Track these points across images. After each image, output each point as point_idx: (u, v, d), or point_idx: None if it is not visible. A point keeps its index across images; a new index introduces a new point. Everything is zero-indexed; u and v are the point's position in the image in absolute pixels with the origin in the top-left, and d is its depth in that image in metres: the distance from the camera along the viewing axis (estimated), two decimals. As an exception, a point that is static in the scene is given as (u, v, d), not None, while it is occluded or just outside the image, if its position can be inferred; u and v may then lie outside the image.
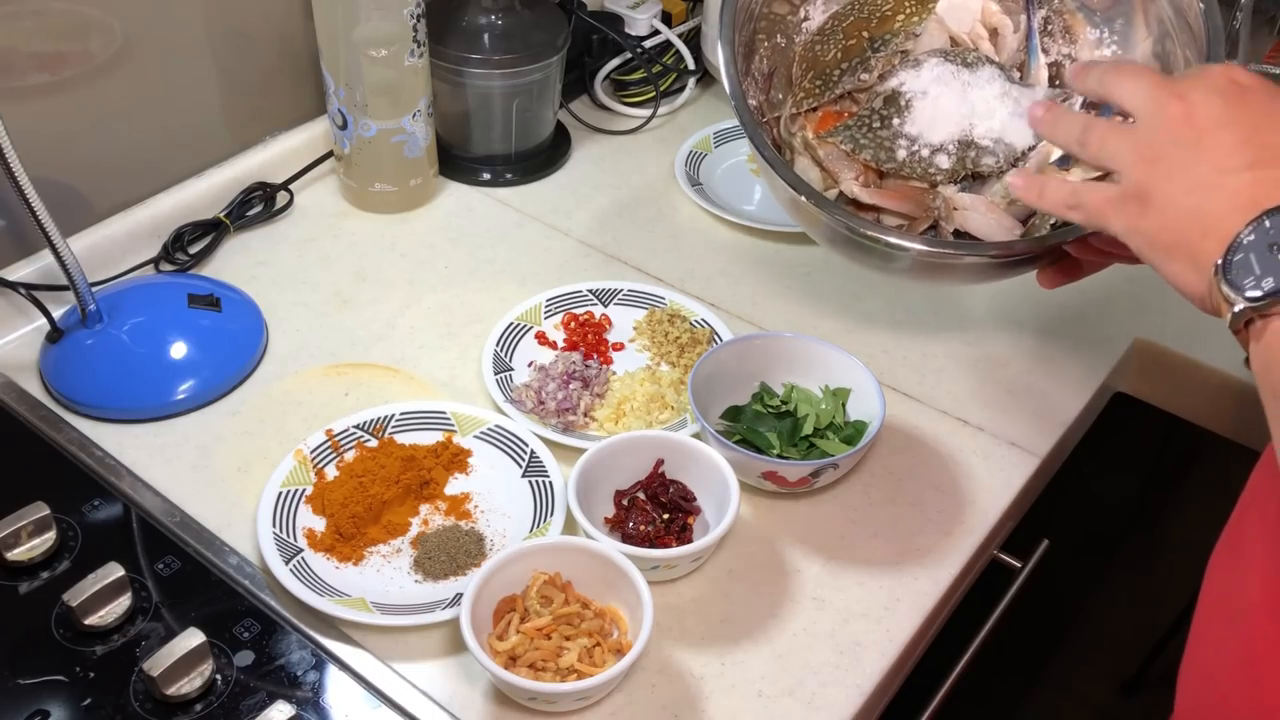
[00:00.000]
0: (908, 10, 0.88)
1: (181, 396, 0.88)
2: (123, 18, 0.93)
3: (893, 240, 0.80)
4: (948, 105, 0.85)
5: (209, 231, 1.03)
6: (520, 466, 0.83)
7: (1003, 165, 0.85)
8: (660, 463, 0.81)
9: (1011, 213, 0.84)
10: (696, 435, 0.83)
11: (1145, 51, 0.86)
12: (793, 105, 0.89)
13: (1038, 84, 0.88)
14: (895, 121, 0.85)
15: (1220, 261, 0.54)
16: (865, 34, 0.88)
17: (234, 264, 1.02)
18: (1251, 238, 0.53)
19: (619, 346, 0.95)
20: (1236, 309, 0.54)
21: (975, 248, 0.81)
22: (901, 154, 0.85)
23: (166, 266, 1.00)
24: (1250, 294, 0.53)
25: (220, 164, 1.06)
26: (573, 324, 0.96)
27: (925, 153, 0.85)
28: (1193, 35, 0.81)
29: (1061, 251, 0.77)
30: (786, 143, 0.90)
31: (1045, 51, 0.89)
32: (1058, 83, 0.90)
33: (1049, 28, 0.90)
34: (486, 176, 1.14)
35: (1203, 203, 0.56)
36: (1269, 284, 0.52)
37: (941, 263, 0.82)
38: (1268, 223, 0.53)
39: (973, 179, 0.86)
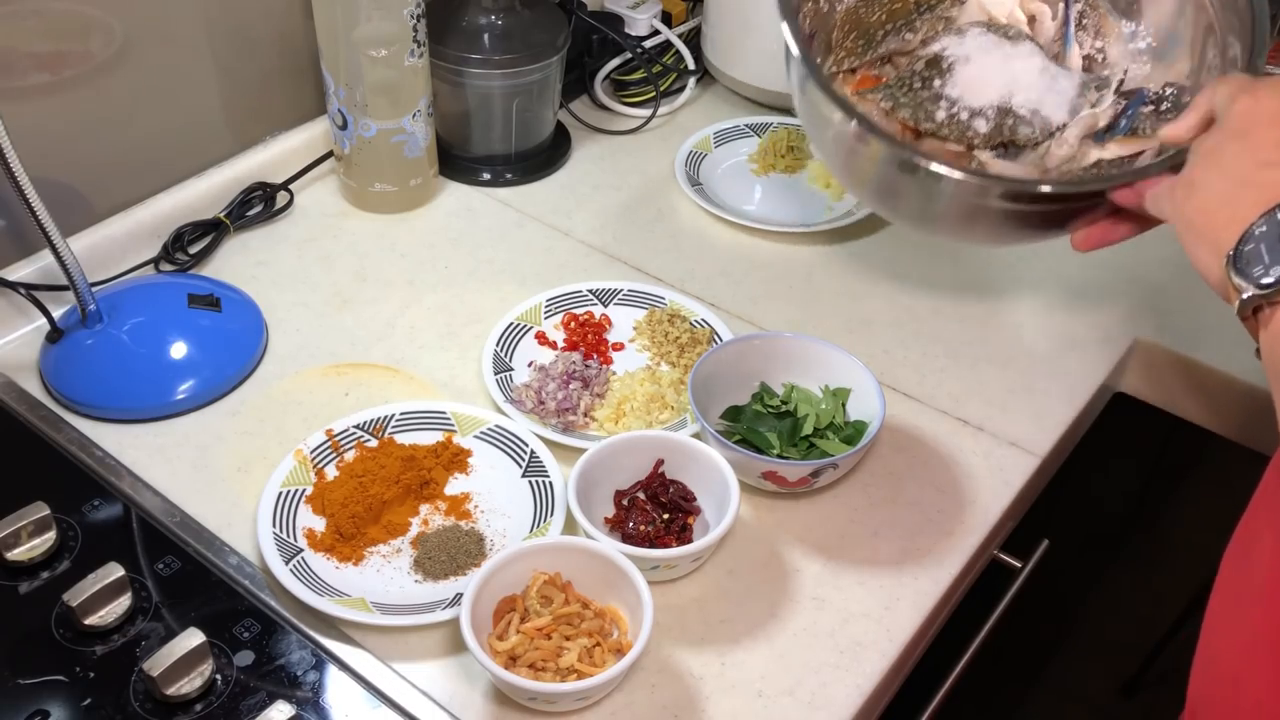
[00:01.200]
0: None
1: (181, 396, 0.88)
2: (123, 18, 0.93)
3: (935, 167, 0.76)
4: (989, 72, 0.85)
5: (209, 231, 1.03)
6: (520, 466, 0.83)
7: (1038, 136, 0.84)
8: (660, 463, 0.81)
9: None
10: (696, 435, 0.83)
11: (1185, 41, 0.86)
12: (833, 64, 0.88)
13: (1073, 70, 0.89)
14: (936, 83, 0.85)
15: (1232, 250, 0.56)
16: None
17: (234, 264, 1.02)
18: (1264, 228, 0.55)
19: (619, 346, 0.95)
20: (1245, 295, 0.55)
21: (1016, 180, 0.79)
22: (940, 115, 0.84)
23: (166, 266, 1.00)
24: (1259, 281, 0.55)
25: (220, 164, 1.06)
26: (573, 324, 0.96)
27: (964, 116, 0.84)
28: (1239, 20, 0.81)
29: (1097, 208, 0.76)
30: None
31: (1079, 44, 0.91)
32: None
33: (1084, 21, 0.91)
34: (486, 176, 1.14)
35: (1237, 192, 0.58)
36: (1277, 272, 0.54)
37: (980, 202, 0.78)
38: (1279, 214, 0.55)
39: (1008, 148, 0.85)
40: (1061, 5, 0.91)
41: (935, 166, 0.76)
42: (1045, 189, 0.77)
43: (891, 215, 0.89)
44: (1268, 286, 0.54)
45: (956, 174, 0.76)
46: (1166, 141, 0.71)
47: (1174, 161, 0.70)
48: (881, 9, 0.90)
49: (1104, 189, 0.74)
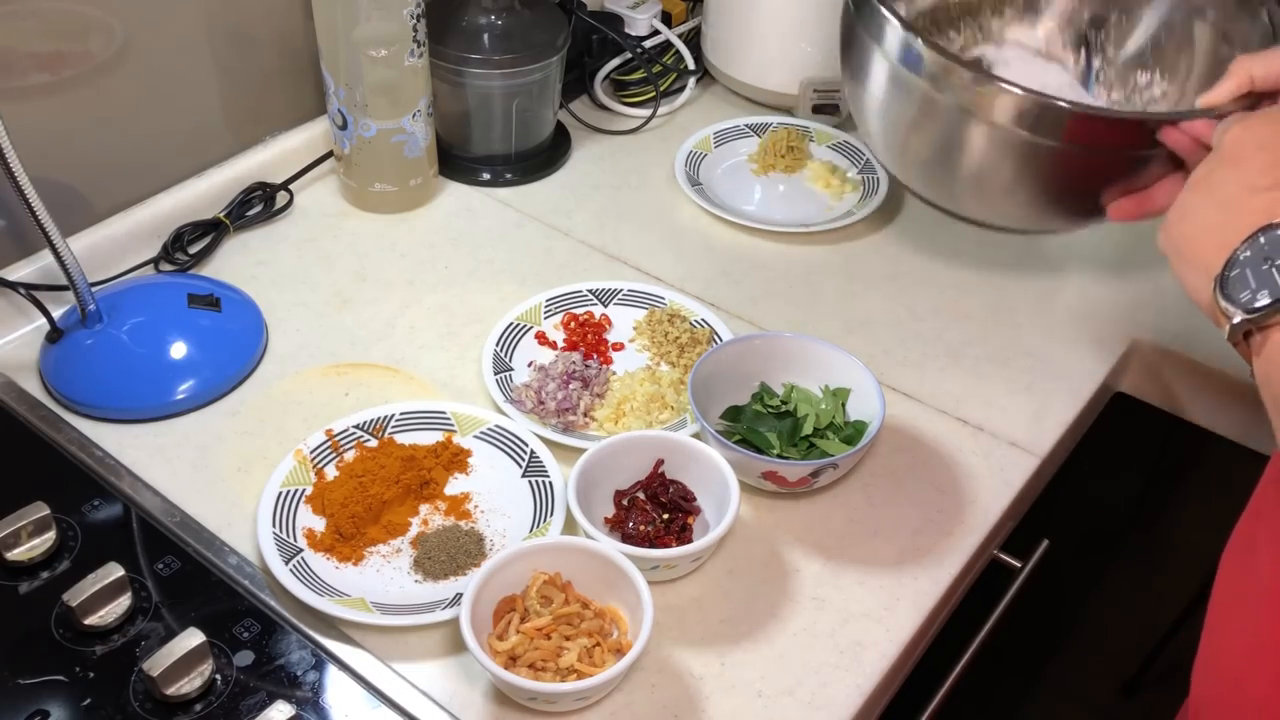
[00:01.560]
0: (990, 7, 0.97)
1: (181, 396, 0.88)
2: (123, 18, 0.93)
3: (994, 80, 0.77)
4: (1024, 77, 0.86)
5: (209, 231, 1.03)
6: (520, 466, 0.83)
7: None
8: (660, 463, 0.81)
9: None
10: (696, 435, 0.83)
11: (1196, 77, 0.89)
12: None
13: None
14: None
15: (1218, 275, 0.57)
16: (953, 12, 0.97)
17: (234, 264, 1.02)
18: (1248, 253, 0.56)
19: (619, 346, 0.95)
20: (1234, 321, 0.56)
21: (1069, 102, 0.78)
22: None
23: (166, 266, 1.00)
24: (1246, 307, 0.55)
25: (220, 164, 1.06)
26: (573, 324, 0.96)
27: None
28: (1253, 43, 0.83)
29: (1138, 168, 0.77)
30: None
31: (1096, 96, 0.95)
32: None
33: (1100, 77, 0.96)
34: (486, 176, 1.14)
35: (1225, 218, 0.58)
36: (1264, 297, 0.54)
37: (1031, 138, 0.77)
38: (1262, 239, 0.55)
39: None
40: (1083, 54, 0.95)
41: (986, 76, 0.77)
42: (1101, 112, 0.77)
43: (939, 181, 0.86)
44: (1256, 311, 0.55)
45: (1014, 87, 0.75)
46: (1205, 105, 0.73)
47: (1220, 112, 0.71)
48: (924, 17, 0.96)
49: (1157, 121, 0.74)
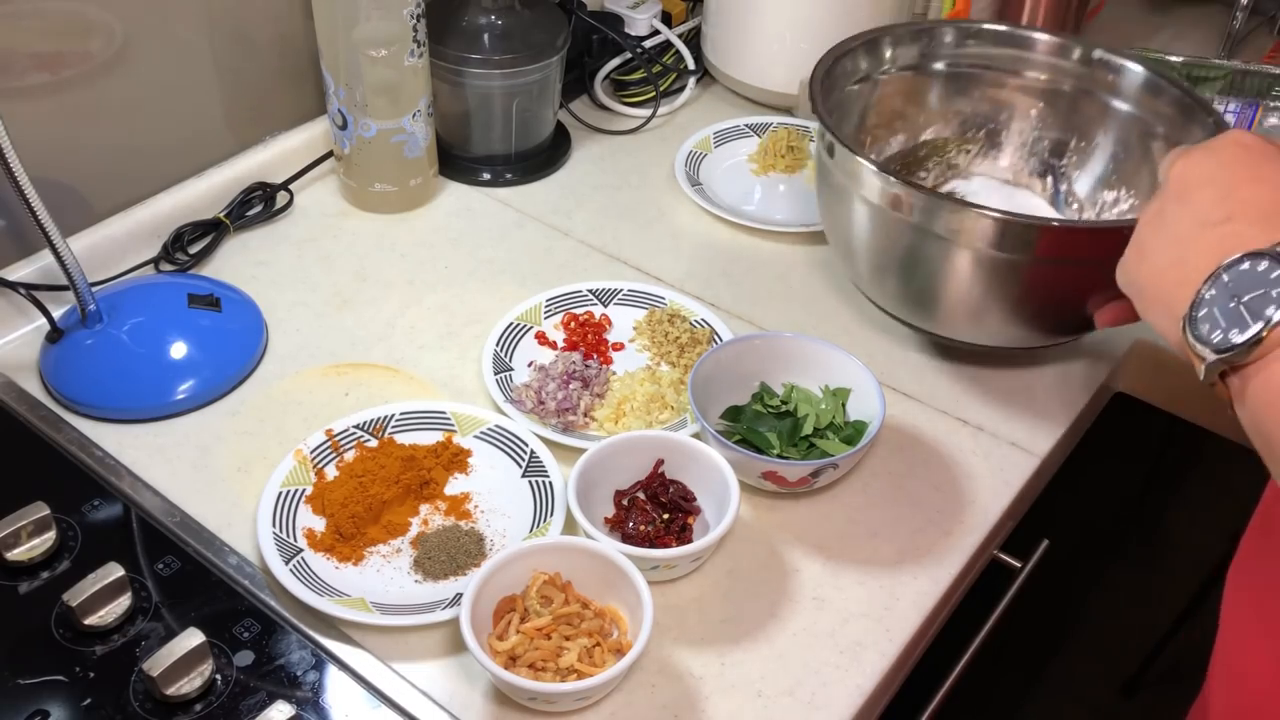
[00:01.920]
0: (955, 146, 1.03)
1: (181, 396, 0.88)
2: (123, 18, 0.93)
3: (973, 207, 0.80)
4: (996, 204, 0.91)
5: (209, 231, 1.03)
6: (520, 466, 0.83)
7: None
8: (660, 463, 0.81)
9: None
10: (696, 435, 0.83)
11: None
12: None
13: None
14: None
15: (1185, 316, 0.56)
16: (921, 154, 1.02)
17: (234, 264, 1.02)
18: (1212, 292, 0.55)
19: (619, 346, 0.95)
20: (1209, 361, 0.54)
21: (1046, 219, 0.84)
22: None
23: (166, 266, 1.00)
24: (1219, 347, 0.54)
25: (220, 164, 1.06)
26: (573, 324, 0.96)
27: None
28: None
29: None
30: None
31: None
32: None
33: (1069, 200, 0.99)
34: (486, 176, 1.14)
35: (1182, 254, 0.58)
36: (1235, 335, 0.53)
37: (1010, 256, 0.80)
38: (1225, 276, 0.54)
39: None
40: (1049, 180, 1.00)
41: (968, 203, 0.82)
42: (1075, 225, 0.84)
43: (930, 311, 0.89)
44: (1230, 349, 0.53)
45: (991, 212, 0.79)
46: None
47: None
48: (895, 161, 1.01)
49: (1129, 227, 0.76)
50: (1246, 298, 0.53)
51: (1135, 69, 0.94)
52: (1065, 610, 1.54)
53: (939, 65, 1.00)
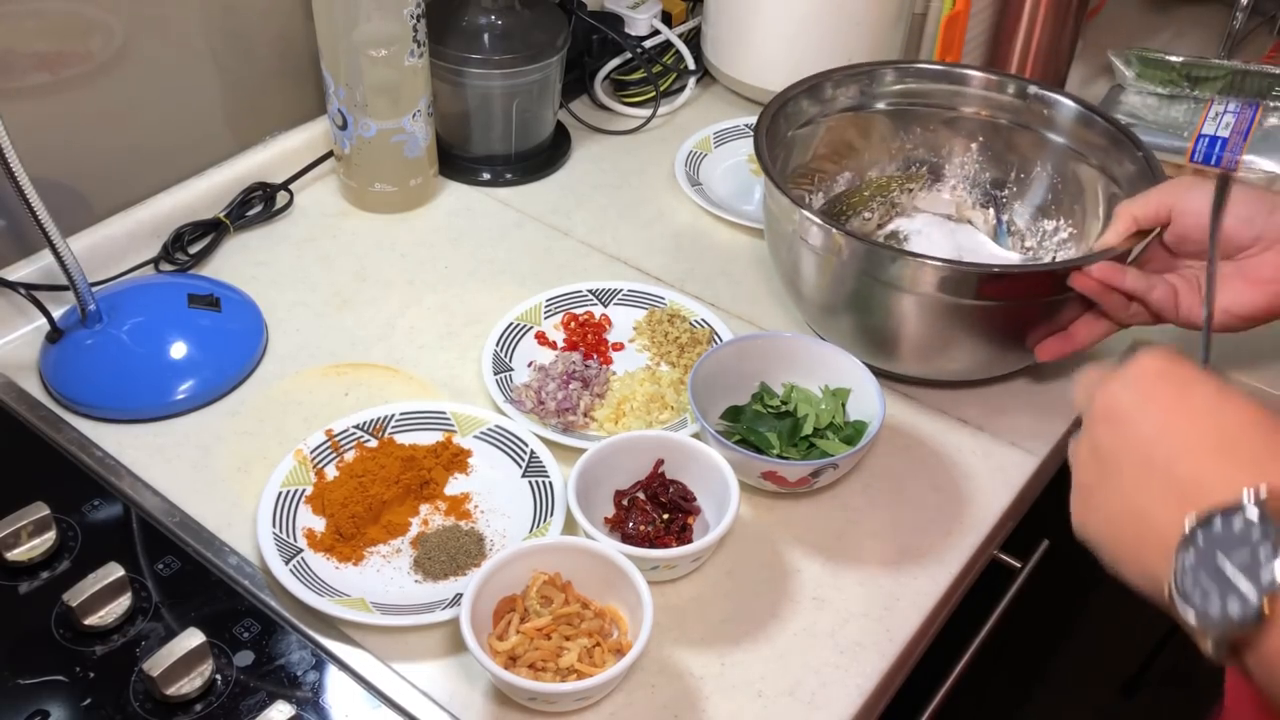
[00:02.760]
0: (897, 185, 1.06)
1: (181, 396, 0.88)
2: (123, 18, 0.93)
3: (914, 255, 0.85)
4: (939, 242, 1.01)
5: (209, 231, 1.03)
6: (520, 466, 0.83)
7: None
8: (660, 463, 0.82)
9: None
10: (696, 435, 0.83)
11: (1093, 216, 0.97)
12: None
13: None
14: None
15: (1170, 590, 0.50)
16: (866, 193, 1.05)
17: (234, 264, 1.02)
18: (1191, 560, 0.49)
19: (619, 346, 0.95)
20: (1213, 639, 0.48)
21: (983, 265, 0.89)
22: None
23: (166, 266, 1.00)
24: (1221, 621, 0.48)
25: (220, 164, 1.06)
26: (573, 324, 0.96)
27: None
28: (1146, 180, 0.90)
29: (1054, 313, 0.85)
30: None
31: (1009, 246, 1.04)
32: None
33: (1011, 229, 1.04)
34: (486, 176, 1.14)
35: (1137, 504, 0.53)
36: (1234, 605, 0.47)
37: (952, 300, 0.83)
38: (1201, 540, 0.48)
39: None
40: (991, 212, 1.04)
41: (910, 254, 0.85)
42: (1011, 269, 0.88)
43: (879, 348, 0.90)
44: (1237, 619, 0.47)
45: (933, 260, 0.82)
46: (1102, 248, 0.82)
47: (1116, 252, 0.81)
48: (841, 203, 1.04)
49: (1065, 269, 0.81)
50: (1232, 565, 0.47)
51: (1067, 104, 0.98)
52: (1065, 610, 1.54)
53: (881, 105, 1.03)
